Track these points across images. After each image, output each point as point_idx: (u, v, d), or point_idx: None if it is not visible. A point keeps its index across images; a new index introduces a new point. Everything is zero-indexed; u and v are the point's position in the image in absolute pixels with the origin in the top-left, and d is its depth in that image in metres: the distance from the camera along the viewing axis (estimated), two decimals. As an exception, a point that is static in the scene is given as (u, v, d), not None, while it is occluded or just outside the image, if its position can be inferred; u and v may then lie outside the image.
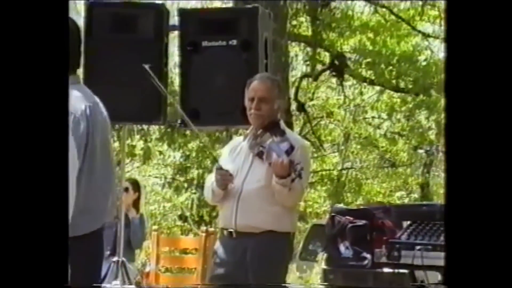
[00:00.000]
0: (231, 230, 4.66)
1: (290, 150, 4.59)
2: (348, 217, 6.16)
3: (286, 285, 5.10)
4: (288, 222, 4.73)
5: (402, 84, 17.57)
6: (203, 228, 8.93)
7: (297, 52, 18.32)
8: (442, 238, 5.59)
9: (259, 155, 4.65)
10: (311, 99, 19.52)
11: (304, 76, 18.42)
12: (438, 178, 25.09)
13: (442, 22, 17.80)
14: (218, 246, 4.81)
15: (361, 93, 19.73)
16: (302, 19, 17.20)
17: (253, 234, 4.61)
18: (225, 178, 4.64)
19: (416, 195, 21.78)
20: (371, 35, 17.38)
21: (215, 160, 5.17)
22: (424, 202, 16.66)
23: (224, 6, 14.50)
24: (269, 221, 4.64)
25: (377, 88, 18.80)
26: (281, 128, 4.75)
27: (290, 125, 14.45)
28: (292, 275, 9.49)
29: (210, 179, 4.82)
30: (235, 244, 4.66)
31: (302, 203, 19.62)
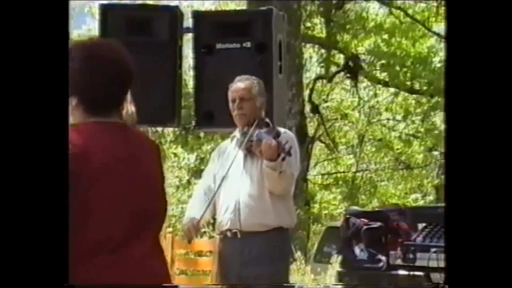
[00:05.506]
0: (235, 230, 4.69)
1: (277, 135, 4.60)
2: (363, 219, 6.16)
3: (294, 284, 5.10)
4: (289, 217, 4.78)
5: (417, 86, 17.53)
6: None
7: (311, 54, 18.32)
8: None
9: (249, 149, 4.66)
10: (325, 101, 19.51)
11: (318, 78, 18.41)
12: (453, 180, 25.03)
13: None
14: (223, 249, 4.85)
15: (375, 95, 19.71)
16: (316, 20, 17.20)
17: (259, 233, 4.66)
18: (194, 230, 4.67)
19: (431, 197, 21.70)
20: (385, 36, 17.35)
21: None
22: (439, 204, 16.57)
23: (238, 8, 14.52)
24: (272, 218, 4.68)
25: (392, 90, 18.77)
26: (267, 121, 4.74)
27: (304, 127, 14.44)
28: (307, 277, 9.47)
29: (195, 198, 4.90)
30: (241, 243, 4.69)
31: (316, 205, 19.72)
